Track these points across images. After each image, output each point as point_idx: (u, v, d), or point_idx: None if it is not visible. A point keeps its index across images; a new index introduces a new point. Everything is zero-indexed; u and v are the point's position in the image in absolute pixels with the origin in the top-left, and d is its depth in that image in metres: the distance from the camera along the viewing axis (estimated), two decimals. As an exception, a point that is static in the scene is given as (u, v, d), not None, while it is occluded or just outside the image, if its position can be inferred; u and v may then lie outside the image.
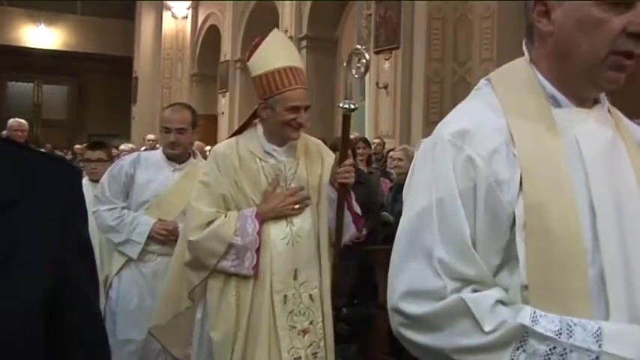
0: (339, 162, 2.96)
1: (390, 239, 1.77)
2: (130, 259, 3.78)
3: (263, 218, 2.92)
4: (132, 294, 3.77)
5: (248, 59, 3.01)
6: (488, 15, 9.08)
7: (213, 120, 18.00)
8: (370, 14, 10.74)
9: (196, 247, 2.93)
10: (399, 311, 1.34)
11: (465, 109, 1.47)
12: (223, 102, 17.76)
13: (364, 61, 3.08)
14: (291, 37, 14.33)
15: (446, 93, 9.52)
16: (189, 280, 3.04)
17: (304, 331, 2.93)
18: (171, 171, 3.83)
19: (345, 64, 3.21)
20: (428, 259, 1.31)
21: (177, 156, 3.83)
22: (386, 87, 10.12)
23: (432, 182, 1.35)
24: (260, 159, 3.00)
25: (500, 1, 8.84)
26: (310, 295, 2.96)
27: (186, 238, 2.98)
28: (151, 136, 12.97)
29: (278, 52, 2.99)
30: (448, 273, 1.29)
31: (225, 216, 2.93)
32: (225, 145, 3.07)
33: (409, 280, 1.33)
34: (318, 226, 3.03)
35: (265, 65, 2.92)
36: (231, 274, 2.92)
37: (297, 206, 2.98)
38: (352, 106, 3.01)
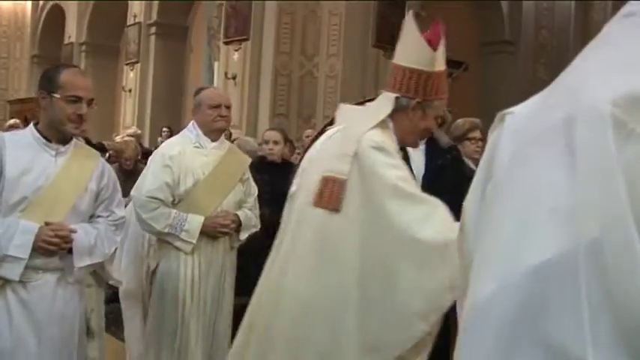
0: None
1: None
2: (4, 284, 2.73)
3: None
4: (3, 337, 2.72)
5: (436, 48, 2.36)
6: (337, 12, 9.32)
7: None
8: (222, 4, 10.66)
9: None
10: None
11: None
12: (66, 86, 16.91)
13: None
14: (139, 24, 13.95)
15: (293, 86, 9.64)
16: (412, 335, 2.15)
17: None
18: (52, 155, 2.86)
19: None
20: None
21: (63, 135, 2.88)
22: (234, 78, 10.09)
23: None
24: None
25: (348, 1, 9.11)
26: None
27: (439, 256, 2.08)
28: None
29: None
30: None
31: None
32: (383, 135, 2.34)
33: None
34: None
35: (441, 63, 2.38)
36: None
37: None
38: None
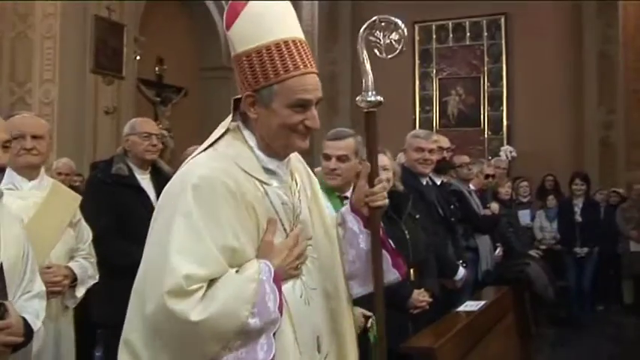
0: (370, 178, 2.05)
1: None
2: None
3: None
4: None
5: (228, 27, 1.90)
6: (51, 35, 8.83)
7: None
8: None
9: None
10: None
11: None
12: None
13: (397, 36, 2.07)
14: None
15: (3, 114, 8.92)
16: None
17: None
18: None
19: (359, 42, 2.12)
20: None
21: None
22: None
23: None
24: (262, 183, 1.89)
25: (63, 22, 8.72)
26: None
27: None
28: None
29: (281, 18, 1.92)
30: None
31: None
32: (209, 163, 1.83)
33: None
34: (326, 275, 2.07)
35: (242, 43, 1.88)
36: None
37: (299, 262, 1.96)
38: (378, 99, 2.08)
